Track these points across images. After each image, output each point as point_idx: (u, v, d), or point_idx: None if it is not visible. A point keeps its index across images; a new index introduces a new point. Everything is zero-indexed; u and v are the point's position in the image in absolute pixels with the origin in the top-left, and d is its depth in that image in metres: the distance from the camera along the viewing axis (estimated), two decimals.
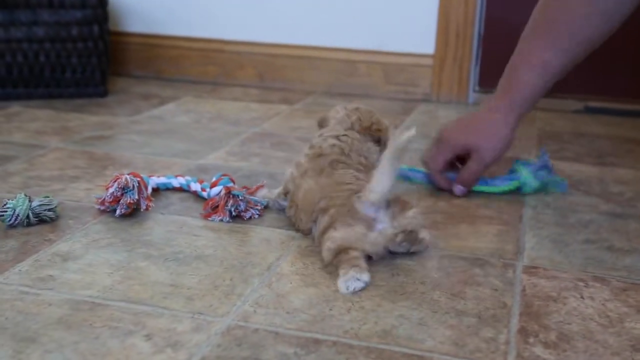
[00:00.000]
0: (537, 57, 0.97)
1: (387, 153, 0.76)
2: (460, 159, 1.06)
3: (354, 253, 0.76)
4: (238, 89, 1.84)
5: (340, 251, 0.76)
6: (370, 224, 0.78)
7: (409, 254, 0.83)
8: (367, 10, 1.79)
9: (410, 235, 0.81)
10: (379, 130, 0.95)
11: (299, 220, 0.87)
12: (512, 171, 1.08)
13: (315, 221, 0.83)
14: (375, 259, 0.80)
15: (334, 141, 0.91)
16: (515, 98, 1.00)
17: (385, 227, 0.79)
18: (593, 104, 1.70)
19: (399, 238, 0.80)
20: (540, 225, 0.94)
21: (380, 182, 0.77)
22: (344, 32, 1.82)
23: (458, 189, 1.04)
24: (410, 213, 0.81)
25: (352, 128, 0.94)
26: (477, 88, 1.76)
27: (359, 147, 0.91)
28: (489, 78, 1.74)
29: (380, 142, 0.94)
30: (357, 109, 0.97)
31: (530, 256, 0.84)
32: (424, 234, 0.83)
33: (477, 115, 1.04)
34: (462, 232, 0.92)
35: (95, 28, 1.62)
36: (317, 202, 0.83)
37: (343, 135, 0.92)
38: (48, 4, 1.56)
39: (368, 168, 0.87)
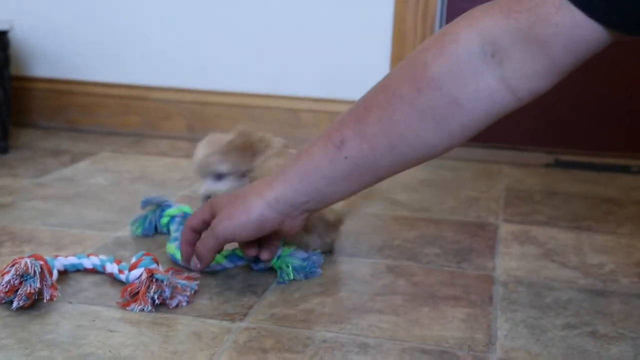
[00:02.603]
0: (337, 132, 0.87)
1: None
2: None
3: None
4: (165, 142, 1.80)
5: None
6: None
7: (362, 348, 0.81)
8: (311, 53, 1.80)
9: None
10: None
11: None
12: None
13: None
14: None
15: None
16: (289, 170, 0.89)
17: None
18: (564, 157, 1.73)
19: None
20: (514, 307, 0.93)
21: None
22: (285, 77, 1.81)
23: (193, 261, 0.97)
24: None
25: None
26: None
27: None
28: None
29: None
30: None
31: (504, 347, 0.83)
32: None
33: (253, 183, 0.96)
34: (424, 317, 0.90)
35: None
36: None
37: None
38: None
39: None
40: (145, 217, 1.14)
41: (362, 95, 0.89)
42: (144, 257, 0.95)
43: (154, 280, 0.90)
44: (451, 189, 1.50)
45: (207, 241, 0.93)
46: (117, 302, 0.90)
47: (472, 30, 0.80)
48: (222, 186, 1.09)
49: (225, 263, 1.01)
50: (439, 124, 0.83)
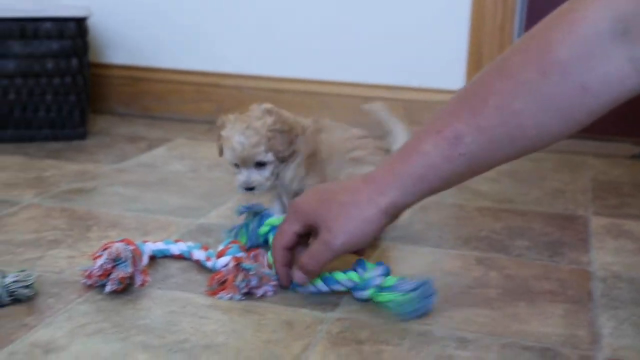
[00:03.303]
0: (449, 126, 0.79)
1: None
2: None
3: None
4: None
5: None
6: None
7: (461, 343, 0.78)
8: (387, 40, 1.76)
9: None
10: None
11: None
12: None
13: None
14: None
15: None
16: (401, 171, 0.81)
17: None
18: None
19: None
20: (616, 304, 0.89)
21: None
22: (360, 65, 1.79)
23: (297, 274, 0.88)
24: None
25: None
26: None
27: None
28: None
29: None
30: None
31: (611, 346, 0.79)
32: None
33: (345, 184, 0.87)
34: (522, 312, 0.87)
35: (74, 61, 1.58)
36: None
37: None
38: (20, 34, 1.53)
39: None
40: (246, 225, 1.02)
41: (469, 83, 0.82)
42: (231, 245, 0.95)
43: (241, 268, 0.89)
44: (534, 179, 1.46)
45: (320, 256, 0.84)
46: (206, 291, 0.90)
47: (602, 6, 0.73)
48: (264, 174, 1.04)
49: (321, 286, 0.89)
50: (563, 112, 0.76)
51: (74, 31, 1.57)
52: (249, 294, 0.89)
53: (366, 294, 0.87)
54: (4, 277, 0.83)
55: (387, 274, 0.87)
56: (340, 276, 0.88)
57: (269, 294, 0.89)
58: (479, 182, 1.40)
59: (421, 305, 0.84)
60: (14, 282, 0.84)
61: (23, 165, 1.41)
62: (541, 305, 0.89)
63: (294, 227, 0.86)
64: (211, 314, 0.84)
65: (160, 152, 1.57)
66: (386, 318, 0.84)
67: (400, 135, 1.11)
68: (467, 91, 0.82)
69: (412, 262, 1.01)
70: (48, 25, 1.54)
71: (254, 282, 0.89)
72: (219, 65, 1.86)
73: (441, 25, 1.73)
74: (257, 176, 1.04)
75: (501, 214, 1.23)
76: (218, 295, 0.88)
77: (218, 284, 0.90)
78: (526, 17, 1.71)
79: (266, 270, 0.92)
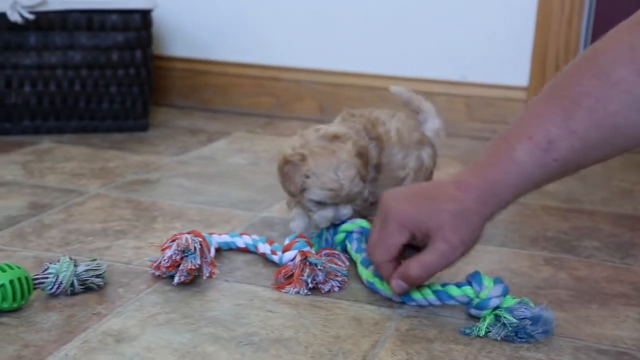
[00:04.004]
0: (541, 131, 0.76)
1: None
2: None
3: None
4: (296, 123, 1.80)
5: None
6: None
7: (533, 344, 0.77)
8: (448, 34, 1.74)
9: None
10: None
11: None
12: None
13: None
14: None
15: None
16: (497, 180, 0.78)
17: None
18: None
19: None
20: None
21: None
22: (420, 59, 1.77)
23: (397, 283, 0.82)
24: None
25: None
26: None
27: None
28: None
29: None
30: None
31: None
32: None
33: (436, 188, 0.83)
34: (594, 315, 0.85)
35: (138, 53, 1.60)
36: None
37: None
38: (87, 26, 1.55)
39: None
40: (320, 234, 0.99)
41: (556, 79, 0.79)
42: (297, 240, 0.95)
43: (307, 263, 0.89)
44: (600, 179, 1.42)
45: (435, 267, 0.80)
46: (272, 285, 0.90)
47: None
48: (356, 203, 0.97)
49: (433, 300, 0.84)
50: None
51: (138, 23, 1.58)
52: (315, 289, 0.88)
53: (482, 313, 0.80)
54: (76, 265, 0.85)
55: (505, 293, 0.81)
56: (454, 291, 0.82)
57: (335, 289, 0.89)
58: None
59: (536, 334, 0.78)
60: (85, 271, 0.85)
61: (88, 156, 1.44)
62: (614, 308, 0.87)
63: (401, 239, 0.81)
64: (278, 307, 0.84)
65: (220, 145, 1.58)
66: (454, 317, 0.83)
67: (430, 113, 1.14)
68: (554, 91, 0.78)
69: (479, 261, 0.99)
70: (114, 17, 1.56)
71: (320, 277, 0.89)
72: (278, 59, 1.86)
73: (505, 19, 1.70)
74: (347, 210, 0.96)
75: (568, 214, 1.21)
76: (284, 290, 0.88)
77: (284, 278, 0.90)
78: (595, 11, 1.66)
79: (333, 265, 0.91)
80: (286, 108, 1.87)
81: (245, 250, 0.99)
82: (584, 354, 0.76)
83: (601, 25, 1.66)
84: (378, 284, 0.87)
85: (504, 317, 0.78)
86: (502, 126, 1.73)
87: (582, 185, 1.37)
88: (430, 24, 1.75)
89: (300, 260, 0.90)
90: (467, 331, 0.79)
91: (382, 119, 1.06)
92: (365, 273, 0.89)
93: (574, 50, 1.64)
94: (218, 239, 0.99)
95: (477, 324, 0.79)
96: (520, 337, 0.78)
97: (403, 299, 0.85)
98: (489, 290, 0.80)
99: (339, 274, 0.91)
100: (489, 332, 0.78)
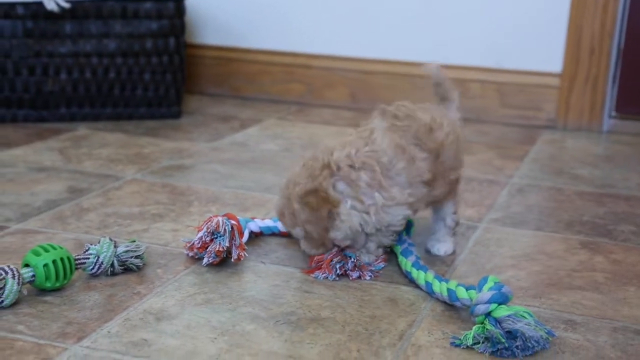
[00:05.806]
0: None
1: None
2: None
3: None
4: (327, 111, 1.80)
5: None
6: None
7: (570, 325, 0.77)
8: (481, 21, 1.73)
9: None
10: None
11: None
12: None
13: None
14: None
15: None
16: None
17: None
18: None
19: None
20: None
21: None
22: (452, 46, 1.76)
23: None
24: None
25: None
26: (613, 113, 1.67)
27: None
28: (628, 101, 1.64)
29: None
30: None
31: None
32: None
33: None
34: (632, 297, 0.85)
35: (172, 41, 1.62)
36: None
37: None
38: (121, 14, 1.57)
39: None
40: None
41: None
42: None
43: (342, 254, 0.89)
44: (633, 164, 1.41)
45: None
46: (302, 270, 0.90)
47: None
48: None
49: (446, 297, 0.81)
50: None
51: (172, 11, 1.60)
52: (343, 276, 0.89)
53: (477, 319, 0.76)
54: (116, 246, 0.86)
55: (499, 301, 0.74)
56: (462, 293, 0.79)
57: (366, 277, 0.88)
58: (576, 167, 1.37)
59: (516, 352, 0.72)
60: (125, 251, 0.87)
61: (123, 142, 1.46)
62: None
63: None
64: (315, 288, 0.85)
65: (252, 131, 1.59)
66: None
67: (453, 104, 1.05)
68: None
69: (514, 244, 0.99)
70: (148, 5, 1.58)
71: (349, 265, 0.89)
72: (309, 46, 1.87)
73: (539, 4, 1.68)
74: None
75: (603, 199, 1.20)
76: (313, 274, 0.88)
77: (315, 264, 0.90)
78: None
79: (366, 259, 0.91)
80: (317, 95, 1.87)
81: (285, 235, 1.00)
82: (621, 334, 0.76)
83: (637, 10, 1.64)
84: (414, 273, 0.86)
85: (487, 328, 0.73)
86: (534, 113, 1.74)
87: (616, 171, 1.36)
88: (463, 11, 1.74)
89: (337, 250, 0.90)
90: (457, 342, 0.74)
91: (439, 120, 0.95)
92: (404, 262, 0.89)
93: (608, 35, 1.63)
94: (260, 223, 1.00)
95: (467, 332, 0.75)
96: (506, 351, 0.72)
97: (427, 289, 0.84)
98: (479, 296, 0.76)
99: (371, 266, 0.91)
100: (477, 344, 0.73)
